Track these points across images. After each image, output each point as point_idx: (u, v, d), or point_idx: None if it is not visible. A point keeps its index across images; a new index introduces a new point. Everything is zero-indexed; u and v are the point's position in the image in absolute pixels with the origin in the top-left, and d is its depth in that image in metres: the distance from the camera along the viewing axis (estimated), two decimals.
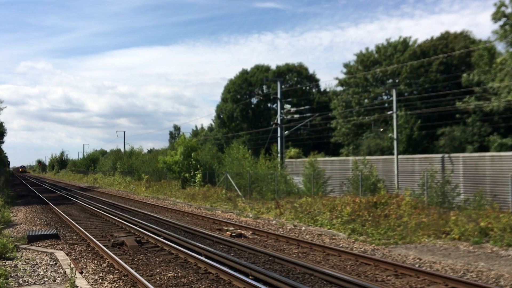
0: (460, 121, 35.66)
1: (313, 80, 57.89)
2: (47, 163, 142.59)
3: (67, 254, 11.28)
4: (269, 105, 57.69)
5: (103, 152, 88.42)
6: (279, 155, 30.52)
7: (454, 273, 9.54)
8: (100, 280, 8.88)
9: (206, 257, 10.79)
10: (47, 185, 51.03)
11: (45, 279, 8.77)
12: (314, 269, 9.42)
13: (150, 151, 69.23)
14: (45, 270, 9.52)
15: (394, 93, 26.92)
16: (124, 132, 65.82)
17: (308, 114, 36.33)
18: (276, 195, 24.47)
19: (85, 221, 18.20)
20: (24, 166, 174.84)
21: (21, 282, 8.57)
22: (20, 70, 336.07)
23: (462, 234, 13.36)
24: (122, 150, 65.33)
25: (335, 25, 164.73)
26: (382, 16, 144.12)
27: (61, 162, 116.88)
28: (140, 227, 15.98)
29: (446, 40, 41.56)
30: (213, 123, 65.75)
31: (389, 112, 28.83)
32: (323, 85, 59.14)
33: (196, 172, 33.65)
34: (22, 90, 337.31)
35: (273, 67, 58.41)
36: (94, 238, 13.25)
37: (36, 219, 19.05)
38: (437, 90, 38.40)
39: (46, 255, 11.07)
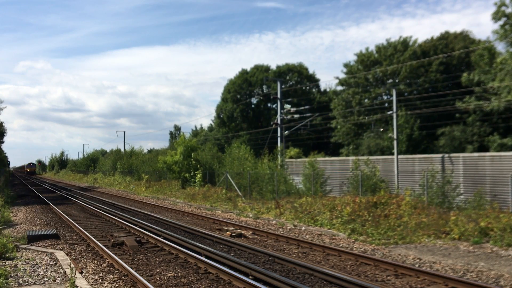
0: (460, 121, 35.67)
1: (313, 80, 57.90)
2: (47, 163, 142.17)
3: (67, 254, 11.28)
4: (269, 105, 57.72)
5: (103, 152, 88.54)
6: (279, 155, 30.54)
7: (454, 273, 9.54)
8: (100, 280, 8.88)
9: (206, 257, 10.79)
10: (47, 185, 51.05)
11: (45, 279, 8.77)
12: (314, 269, 9.42)
13: (150, 151, 69.28)
14: (45, 270, 9.52)
15: (394, 93, 26.91)
16: (124, 132, 65.95)
17: (308, 114, 36.33)
18: (276, 195, 24.47)
19: (85, 221, 18.20)
20: (33, 164, 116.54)
21: (21, 282, 8.57)
22: (19, 70, 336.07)
23: (462, 234, 13.36)
24: (122, 150, 65.41)
25: (336, 24, 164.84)
26: (384, 16, 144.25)
27: (61, 162, 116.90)
28: (140, 227, 15.99)
29: (446, 40, 41.57)
30: (213, 123, 65.79)
31: (389, 112, 28.83)
32: (323, 85, 59.28)
33: (196, 172, 33.65)
34: (21, 90, 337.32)
35: (274, 67, 58.53)
36: (94, 238, 13.25)
37: (36, 219, 19.06)
38: (437, 90, 38.40)
39: (46, 255, 11.07)
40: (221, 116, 58.69)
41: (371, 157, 26.18)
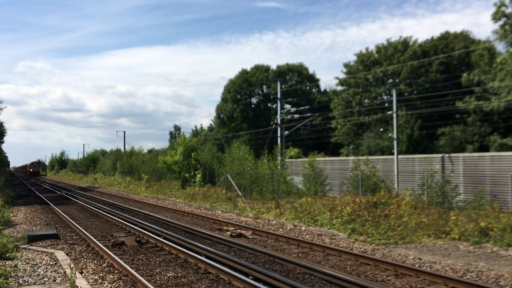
0: (460, 121, 35.67)
1: (313, 80, 57.90)
2: (47, 163, 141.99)
3: (67, 254, 11.29)
4: (269, 105, 57.69)
5: (103, 152, 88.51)
6: (279, 155, 30.54)
7: (454, 273, 9.54)
8: (100, 280, 8.88)
9: (206, 257, 10.79)
10: (47, 185, 51.05)
11: (45, 279, 8.78)
12: (314, 269, 9.42)
13: (150, 151, 69.24)
14: (45, 270, 9.53)
15: (394, 93, 26.92)
16: (124, 132, 65.97)
17: (308, 114, 36.33)
18: (276, 195, 24.47)
19: (85, 221, 18.21)
20: (37, 164, 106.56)
21: (21, 282, 8.58)
22: (19, 70, 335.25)
23: (462, 234, 13.37)
24: (122, 150, 65.41)
25: (336, 24, 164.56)
26: (384, 16, 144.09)
27: (61, 162, 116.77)
28: (140, 227, 15.99)
29: (446, 40, 41.57)
30: (213, 123, 65.79)
31: (389, 112, 28.83)
32: (323, 85, 59.24)
33: (196, 172, 33.66)
34: (21, 90, 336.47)
35: (274, 67, 58.49)
36: (94, 238, 13.25)
37: (36, 219, 19.06)
38: (437, 90, 38.40)
39: (46, 255, 11.08)
40: (221, 116, 58.66)
41: (371, 157, 26.18)
